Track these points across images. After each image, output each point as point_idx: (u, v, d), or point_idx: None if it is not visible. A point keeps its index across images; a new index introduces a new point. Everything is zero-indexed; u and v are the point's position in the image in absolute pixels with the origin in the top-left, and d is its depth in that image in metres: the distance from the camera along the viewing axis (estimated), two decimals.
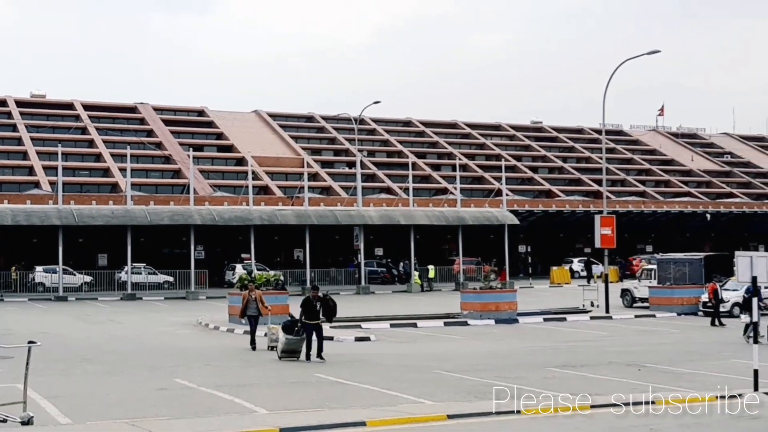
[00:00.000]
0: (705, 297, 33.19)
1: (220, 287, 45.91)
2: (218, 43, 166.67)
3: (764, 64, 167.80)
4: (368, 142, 75.61)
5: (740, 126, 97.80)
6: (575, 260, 62.96)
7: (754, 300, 16.38)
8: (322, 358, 20.04)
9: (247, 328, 26.50)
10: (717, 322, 29.27)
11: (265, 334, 22.87)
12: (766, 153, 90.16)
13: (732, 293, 32.35)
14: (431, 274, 49.28)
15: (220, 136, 71.02)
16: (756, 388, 15.40)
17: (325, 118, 77.31)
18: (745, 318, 24.99)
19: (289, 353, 20.20)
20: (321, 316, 20.33)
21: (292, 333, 20.06)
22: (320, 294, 20.67)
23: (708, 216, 67.00)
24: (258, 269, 42.62)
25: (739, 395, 15.22)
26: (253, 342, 22.90)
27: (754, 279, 16.07)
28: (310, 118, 79.02)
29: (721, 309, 32.11)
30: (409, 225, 49.46)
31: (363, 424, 12.90)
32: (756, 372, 15.57)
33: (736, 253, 16.92)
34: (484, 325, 29.55)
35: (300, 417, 13.40)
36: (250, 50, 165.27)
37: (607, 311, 33.45)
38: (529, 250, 65.42)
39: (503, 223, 51.56)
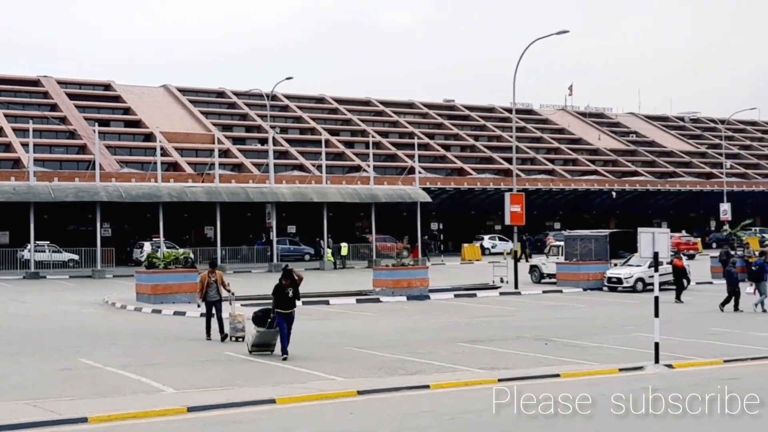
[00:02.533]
0: (610, 272, 34.15)
1: (127, 265, 44.99)
2: (126, 16, 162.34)
3: (669, 46, 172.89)
4: (281, 118, 74.94)
5: (645, 106, 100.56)
6: (486, 237, 63.93)
7: (656, 275, 16.87)
8: (287, 354, 17.18)
9: (160, 307, 25.91)
10: (677, 297, 29.22)
11: (230, 314, 20.19)
12: (670, 132, 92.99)
13: (635, 269, 33.37)
14: (344, 252, 49.31)
15: (127, 110, 69.31)
16: (657, 361, 15.91)
17: (237, 94, 76.24)
18: (749, 290, 26.06)
19: (261, 347, 17.89)
20: (294, 305, 17.62)
21: (265, 325, 17.64)
22: (295, 276, 17.60)
23: (614, 193, 68.88)
24: (167, 247, 41.96)
25: (641, 367, 15.75)
26: (208, 332, 20.18)
27: (655, 255, 16.54)
28: (221, 94, 77.79)
29: (625, 285, 33.19)
30: (322, 202, 49.30)
31: (273, 401, 12.86)
32: (657, 345, 16.07)
33: (639, 229, 17.35)
34: (396, 302, 29.74)
35: (208, 395, 13.28)
36: (160, 24, 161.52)
37: (516, 287, 34.05)
38: (441, 227, 66.08)
39: (416, 200, 51.87)
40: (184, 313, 25.84)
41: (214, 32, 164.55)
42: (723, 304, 26.40)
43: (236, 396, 13.18)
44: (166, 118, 67.07)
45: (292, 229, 57.39)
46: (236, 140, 68.52)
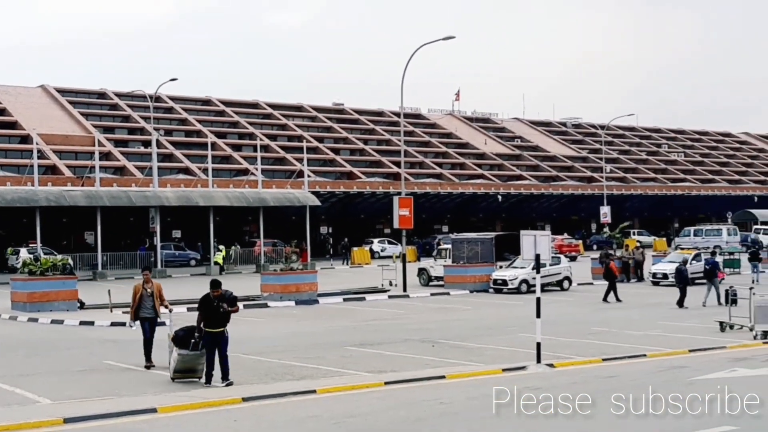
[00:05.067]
0: (495, 275, 34.75)
1: (2, 273, 43.10)
2: (3, 15, 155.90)
3: (552, 53, 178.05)
4: (165, 120, 73.31)
5: (529, 111, 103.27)
6: (375, 241, 64.27)
7: (538, 276, 17.22)
8: (228, 380, 14.67)
9: (36, 315, 24.69)
10: (615, 298, 30.09)
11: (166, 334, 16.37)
12: (553, 137, 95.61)
13: (520, 271, 34.08)
14: (224, 254, 48.57)
15: (2, 111, 66.34)
16: (539, 360, 16.25)
17: (119, 95, 74.19)
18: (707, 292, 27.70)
19: (185, 373, 15.11)
20: (226, 322, 14.95)
21: (188, 346, 14.90)
22: (223, 291, 14.97)
23: (499, 197, 70.39)
24: (45, 253, 40.34)
25: (524, 367, 16.05)
26: (149, 357, 16.66)
27: (537, 256, 16.89)
28: (102, 95, 75.53)
29: (510, 286, 33.85)
30: (209, 206, 48.45)
31: (154, 410, 12.53)
32: (539, 345, 16.40)
33: (522, 232, 17.66)
34: (285, 307, 29.49)
35: (87, 406, 12.86)
36: (39, 23, 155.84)
37: (405, 290, 34.26)
38: (330, 231, 66.04)
39: (305, 204, 51.61)
40: (62, 322, 24.92)
41: (93, 30, 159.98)
42: (680, 302, 27.29)
43: (116, 406, 12.78)
44: (44, 120, 64.63)
45: (177, 233, 56.21)
46: (118, 143, 66.60)
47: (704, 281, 30.04)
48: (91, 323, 24.40)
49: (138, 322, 16.85)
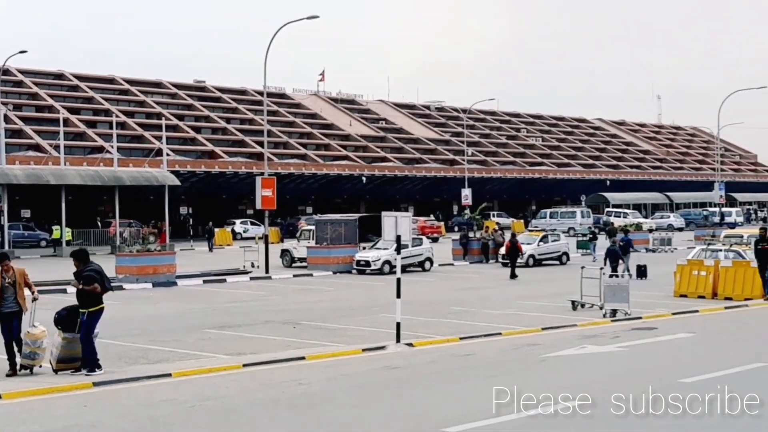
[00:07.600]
0: (359, 256, 34.91)
1: None
2: None
3: (418, 36, 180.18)
4: (14, 95, 69.65)
5: (394, 94, 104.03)
6: (238, 222, 63.41)
7: (398, 257, 17.32)
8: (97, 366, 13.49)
9: None
10: (511, 275, 31.80)
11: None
12: (417, 120, 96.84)
13: (383, 252, 34.35)
14: (56, 234, 46.70)
15: None
16: (398, 340, 16.36)
17: None
18: (606, 269, 27.80)
19: (70, 362, 13.51)
20: (84, 302, 13.76)
21: (74, 329, 13.40)
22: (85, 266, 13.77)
23: (364, 179, 70.79)
24: None
25: (383, 347, 16.14)
26: (13, 362, 13.72)
27: (398, 238, 16.98)
28: None
29: (373, 267, 34.09)
30: (60, 185, 46.46)
31: None
32: (398, 325, 16.51)
33: (383, 213, 17.68)
34: (141, 289, 28.63)
35: None
36: None
37: (267, 272, 33.92)
38: (190, 211, 64.68)
39: (164, 183, 50.24)
40: None
41: None
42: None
43: None
44: None
45: (27, 213, 53.71)
46: None
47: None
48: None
49: None
